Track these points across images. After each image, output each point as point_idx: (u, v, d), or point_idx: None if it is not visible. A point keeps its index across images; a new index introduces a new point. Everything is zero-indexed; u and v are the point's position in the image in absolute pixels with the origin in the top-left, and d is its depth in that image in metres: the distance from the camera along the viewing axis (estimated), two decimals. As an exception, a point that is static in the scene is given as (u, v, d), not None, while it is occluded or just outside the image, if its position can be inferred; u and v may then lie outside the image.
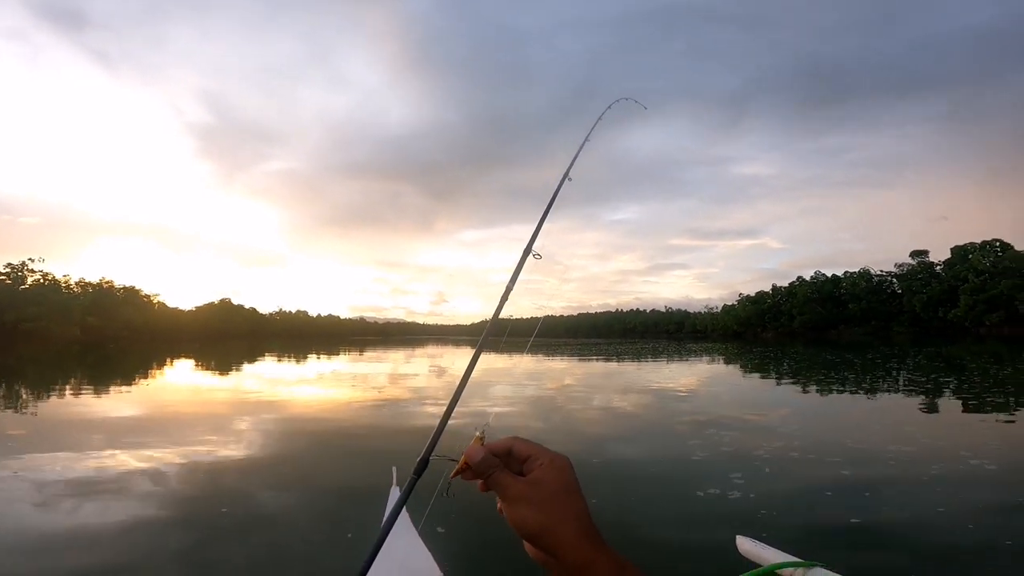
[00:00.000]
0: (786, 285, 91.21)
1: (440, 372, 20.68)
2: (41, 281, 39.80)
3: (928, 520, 4.10)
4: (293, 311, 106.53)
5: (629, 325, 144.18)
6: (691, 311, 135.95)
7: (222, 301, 72.20)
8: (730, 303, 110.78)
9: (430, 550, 2.50)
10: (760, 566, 2.90)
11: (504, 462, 0.51)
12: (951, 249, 66.63)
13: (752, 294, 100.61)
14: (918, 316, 63.36)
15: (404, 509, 2.86)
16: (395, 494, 3.16)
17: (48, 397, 11.95)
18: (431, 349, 50.39)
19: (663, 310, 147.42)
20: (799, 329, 74.95)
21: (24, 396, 12.17)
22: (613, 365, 25.60)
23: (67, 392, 12.84)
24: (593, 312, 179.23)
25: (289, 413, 9.64)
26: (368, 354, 36.83)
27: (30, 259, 39.36)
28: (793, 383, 16.62)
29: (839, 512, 4.26)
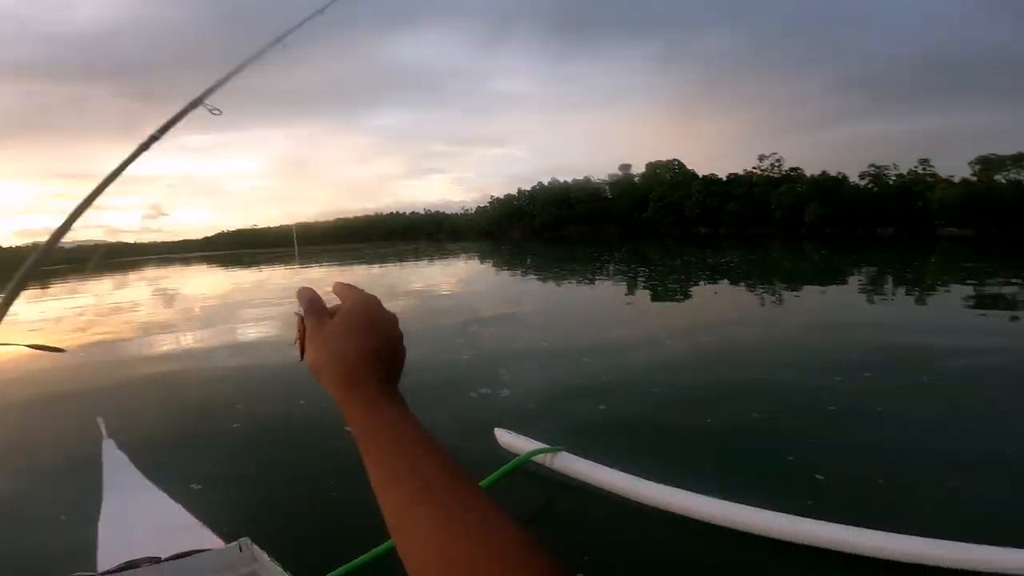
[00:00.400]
0: (528, 189, 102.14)
1: (168, 299, 17.43)
2: None
3: (644, 397, 5.01)
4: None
5: (390, 228, 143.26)
6: (448, 212, 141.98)
7: None
8: (483, 205, 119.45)
9: (167, 494, 2.33)
10: (516, 455, 3.45)
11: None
12: (646, 165, 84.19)
13: (502, 197, 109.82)
14: (624, 218, 79.02)
15: (129, 463, 2.47)
16: (109, 446, 2.89)
17: None
18: (151, 272, 41.64)
19: (423, 212, 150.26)
20: (539, 228, 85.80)
21: None
22: (376, 270, 25.49)
23: None
24: (352, 217, 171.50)
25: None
26: (56, 288, 28.65)
27: None
28: (537, 277, 19.29)
29: (586, 400, 4.87)
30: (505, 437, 3.61)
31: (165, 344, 8.71)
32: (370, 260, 35.81)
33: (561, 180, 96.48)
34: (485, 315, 10.07)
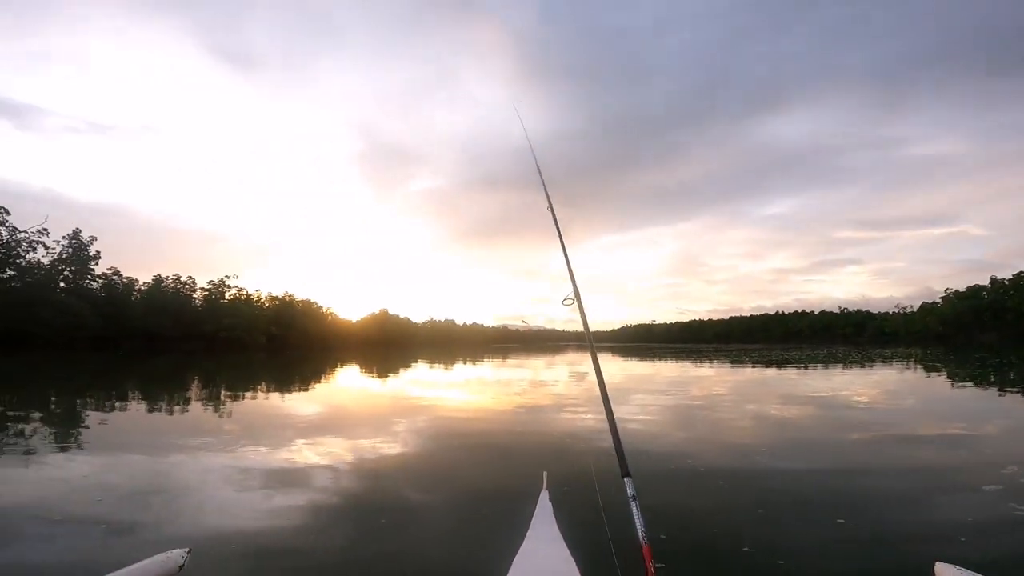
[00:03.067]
0: (1009, 277, 75.05)
1: (580, 378, 20.84)
2: (237, 296, 48.28)
3: None
4: (442, 320, 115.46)
5: (792, 328, 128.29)
6: (875, 311, 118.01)
7: (381, 311, 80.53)
8: (928, 301, 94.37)
9: (574, 558, 2.64)
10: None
11: None
12: None
13: (962, 289, 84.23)
14: None
15: (552, 514, 3.02)
16: (544, 498, 3.41)
17: (246, 397, 14.58)
18: (571, 355, 50.86)
19: (836, 311, 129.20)
20: (1030, 331, 60.91)
21: (230, 397, 14.97)
22: (771, 372, 23.42)
23: (260, 393, 15.52)
24: (746, 315, 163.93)
25: (441, 415, 10.54)
26: (510, 360, 38.39)
27: (227, 276, 48.06)
28: (1021, 392, 13.66)
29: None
30: (948, 573, 2.73)
31: (576, 415, 10.40)
32: (766, 361, 33.27)
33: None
34: (919, 434, 7.86)
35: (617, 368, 26.51)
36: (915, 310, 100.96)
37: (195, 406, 11.94)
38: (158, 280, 43.75)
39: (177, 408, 11.57)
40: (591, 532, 3.77)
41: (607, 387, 2.74)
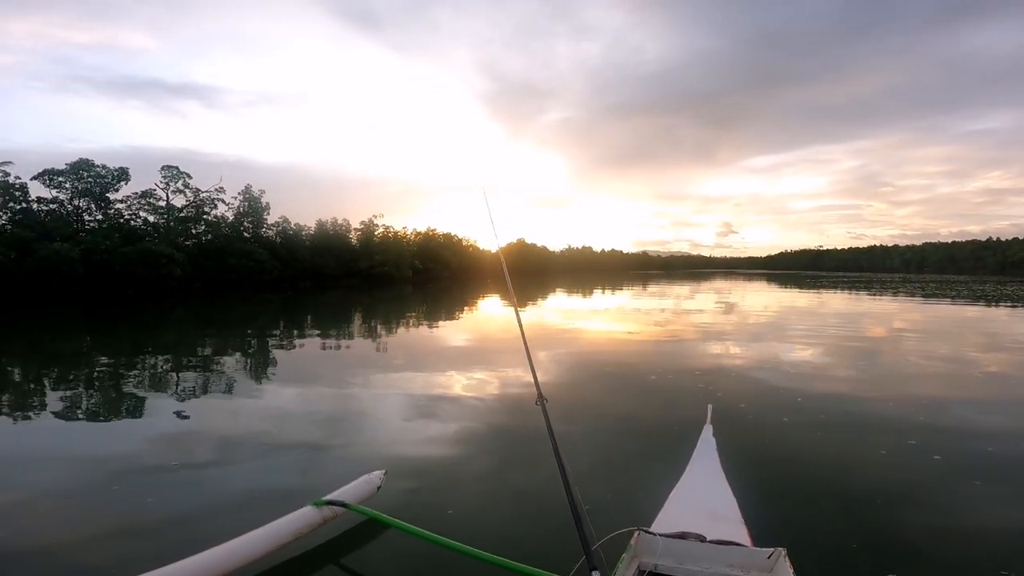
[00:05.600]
0: None
1: (728, 308, 19.75)
2: (385, 234, 52.92)
3: None
4: (579, 247, 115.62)
5: (1012, 258, 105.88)
6: None
7: (519, 241, 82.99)
8: None
9: (729, 484, 2.85)
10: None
11: None
12: None
13: None
14: None
15: (715, 449, 3.19)
16: (708, 432, 3.59)
17: (400, 328, 16.34)
18: (718, 283, 48.19)
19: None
20: None
21: (387, 329, 16.88)
22: (975, 311, 19.90)
23: (412, 324, 17.26)
24: (945, 241, 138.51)
25: (587, 346, 10.86)
26: (653, 288, 37.54)
27: (374, 216, 52.71)
28: None
29: None
30: None
31: (726, 346, 10.09)
32: (971, 297, 28.45)
33: None
34: None
35: (770, 300, 24.53)
36: None
37: (362, 341, 13.76)
38: (320, 225, 49.33)
39: (346, 342, 13.45)
40: (754, 470, 3.83)
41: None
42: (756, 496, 3.14)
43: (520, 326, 2.85)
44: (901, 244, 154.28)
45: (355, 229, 51.75)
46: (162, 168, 39.43)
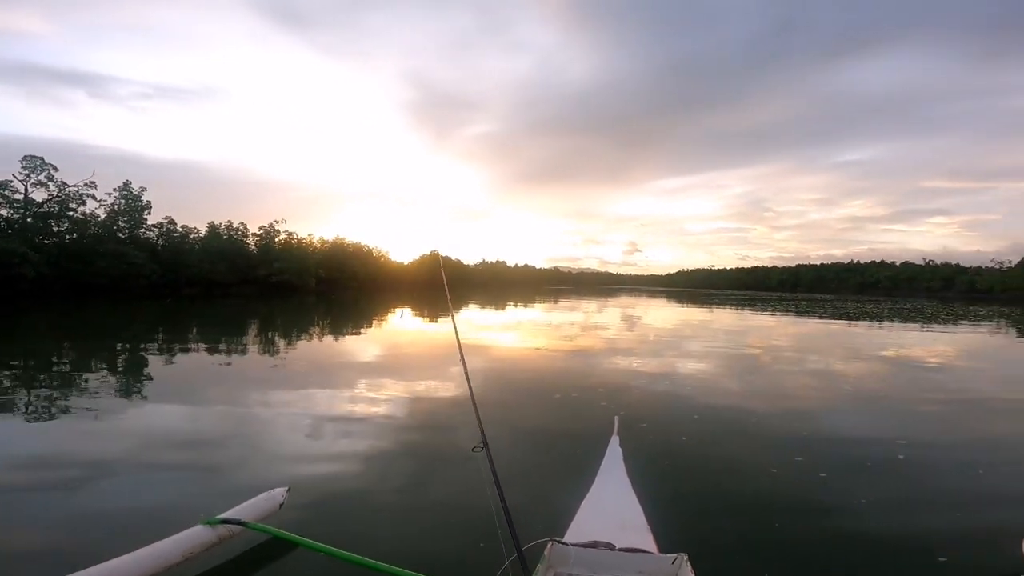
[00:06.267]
0: None
1: (632, 323, 20.85)
2: (287, 240, 50.39)
3: None
4: (493, 261, 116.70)
5: (869, 279, 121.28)
6: (965, 265, 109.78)
7: (432, 253, 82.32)
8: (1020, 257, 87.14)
9: (636, 493, 2.98)
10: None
11: None
12: None
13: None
14: None
15: (621, 460, 3.33)
16: (615, 443, 3.71)
17: (301, 340, 15.57)
18: (623, 299, 50.65)
19: (920, 263, 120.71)
20: None
21: (286, 341, 16.02)
22: (838, 326, 22.65)
23: (315, 337, 16.51)
24: (815, 263, 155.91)
25: (499, 359, 10.94)
26: (564, 303, 38.66)
27: (276, 221, 50.21)
28: None
29: None
30: None
31: (630, 361, 10.63)
32: (833, 314, 32.08)
33: None
34: (997, 398, 7.62)
35: (669, 316, 26.27)
36: (1013, 265, 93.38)
37: (257, 356, 12.93)
38: (212, 227, 45.94)
39: (238, 357, 12.58)
40: (658, 480, 4.03)
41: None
42: (660, 504, 3.31)
43: (460, 347, 2.87)
44: (779, 265, 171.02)
45: (254, 234, 48.77)
46: (23, 158, 34.87)
